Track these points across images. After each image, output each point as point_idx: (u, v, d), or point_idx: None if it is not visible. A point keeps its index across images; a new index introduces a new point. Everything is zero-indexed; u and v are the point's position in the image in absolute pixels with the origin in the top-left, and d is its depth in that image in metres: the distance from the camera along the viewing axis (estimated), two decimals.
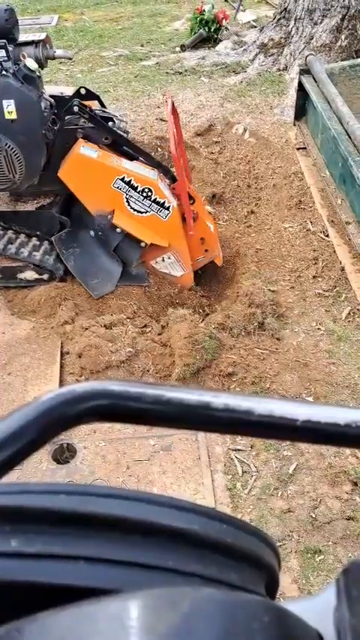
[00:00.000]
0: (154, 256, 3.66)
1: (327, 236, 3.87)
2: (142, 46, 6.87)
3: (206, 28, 6.69)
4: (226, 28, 6.83)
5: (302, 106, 4.83)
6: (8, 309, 3.55)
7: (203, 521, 0.37)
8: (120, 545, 0.35)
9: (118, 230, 3.52)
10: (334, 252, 3.73)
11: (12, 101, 3.17)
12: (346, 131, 3.93)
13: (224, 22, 6.77)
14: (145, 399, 0.38)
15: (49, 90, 3.74)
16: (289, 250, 3.94)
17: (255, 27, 6.98)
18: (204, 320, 3.36)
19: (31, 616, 0.28)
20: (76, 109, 3.39)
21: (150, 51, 6.70)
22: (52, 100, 3.58)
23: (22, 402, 2.90)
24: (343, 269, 3.60)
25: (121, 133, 3.61)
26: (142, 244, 3.53)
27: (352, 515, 2.39)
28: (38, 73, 3.39)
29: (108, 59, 6.51)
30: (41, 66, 3.55)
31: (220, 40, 6.70)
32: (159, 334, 3.31)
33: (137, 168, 3.48)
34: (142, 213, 3.50)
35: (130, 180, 3.42)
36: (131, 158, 3.58)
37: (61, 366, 3.13)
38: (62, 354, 3.19)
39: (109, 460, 2.65)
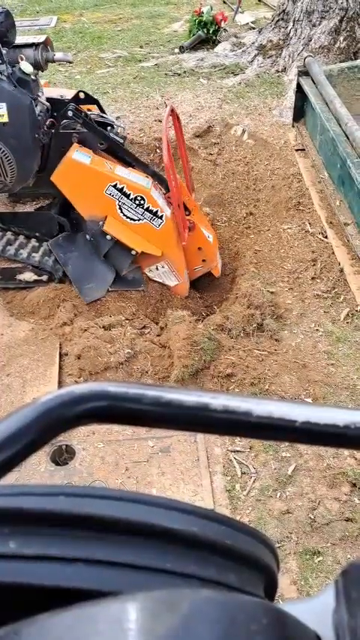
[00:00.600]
0: (148, 264, 3.64)
1: (326, 237, 3.88)
2: (140, 47, 6.87)
3: (205, 30, 6.70)
4: (224, 29, 6.84)
5: (301, 108, 4.84)
6: (7, 311, 3.55)
7: (202, 522, 0.37)
8: (119, 547, 0.35)
9: (109, 237, 3.49)
10: (333, 253, 3.73)
11: (4, 104, 3.17)
12: (344, 132, 3.94)
13: (223, 24, 6.78)
14: (144, 401, 0.38)
15: (49, 92, 3.73)
16: (287, 252, 3.94)
17: (253, 29, 6.99)
18: (203, 321, 3.36)
19: (30, 618, 0.28)
20: (70, 113, 3.38)
21: (149, 52, 6.71)
22: (48, 104, 3.57)
23: (21, 403, 2.89)
24: (341, 270, 3.61)
25: (118, 139, 3.58)
26: (133, 252, 3.50)
27: (351, 516, 2.39)
28: (33, 77, 3.38)
29: (107, 60, 6.51)
30: (40, 69, 3.55)
31: (219, 42, 6.71)
32: (158, 335, 3.31)
33: (131, 176, 3.46)
34: (134, 220, 3.49)
35: (122, 188, 3.40)
36: (128, 164, 3.57)
37: (60, 368, 3.13)
38: (61, 356, 3.19)
39: (107, 462, 2.65)
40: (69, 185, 3.49)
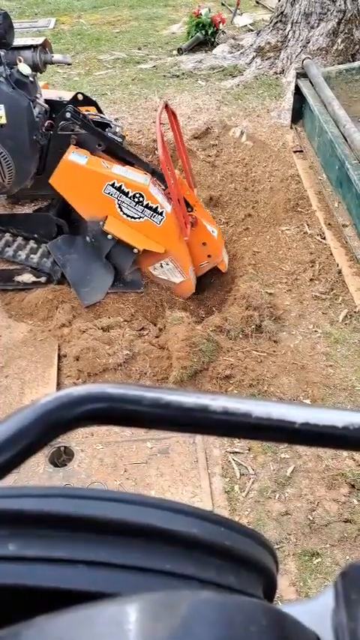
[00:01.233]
0: (152, 262, 3.63)
1: (324, 239, 3.88)
2: (139, 49, 6.88)
3: (203, 32, 6.71)
4: (223, 31, 6.85)
5: (299, 110, 4.85)
6: (5, 312, 3.55)
7: (201, 524, 0.37)
8: (118, 548, 0.35)
9: (109, 236, 3.49)
10: (331, 254, 3.74)
11: (1, 106, 3.18)
12: (342, 134, 3.95)
13: (221, 26, 6.79)
14: (143, 402, 0.38)
15: (48, 94, 3.73)
16: (286, 253, 3.95)
17: (252, 30, 7.01)
18: (201, 323, 3.36)
19: (29, 620, 0.28)
20: (68, 115, 3.38)
21: (147, 54, 6.71)
22: (47, 106, 3.57)
23: (20, 404, 2.89)
24: (340, 272, 3.61)
25: (116, 139, 3.58)
26: (135, 250, 3.50)
27: (350, 517, 2.39)
28: (32, 79, 3.38)
29: (105, 62, 6.52)
30: (39, 70, 3.55)
31: (217, 44, 6.72)
32: (156, 337, 3.31)
33: (128, 174, 3.45)
34: (135, 218, 3.48)
35: (120, 186, 3.39)
36: (128, 163, 3.58)
37: (59, 369, 3.12)
38: (59, 357, 3.19)
39: (106, 463, 2.65)
40: (67, 187, 3.48)
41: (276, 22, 5.90)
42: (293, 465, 2.61)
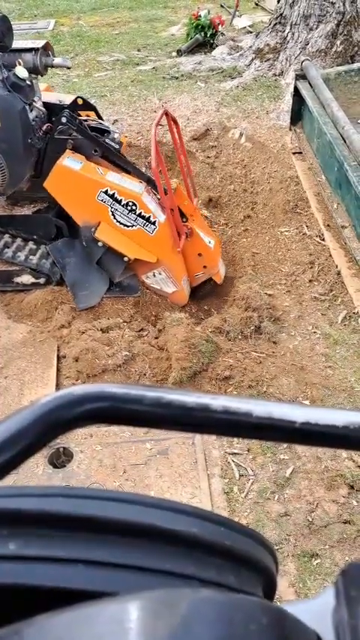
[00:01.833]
0: (145, 271, 3.60)
1: (323, 240, 3.89)
2: (138, 50, 6.89)
3: (202, 34, 6.72)
4: (222, 33, 6.87)
5: (298, 111, 4.85)
6: (5, 313, 3.55)
7: (201, 523, 0.37)
8: (118, 548, 0.35)
9: (100, 244, 3.47)
10: (330, 256, 3.74)
11: None
12: (341, 136, 3.95)
13: (220, 28, 6.81)
14: (144, 402, 0.38)
15: (48, 97, 3.72)
16: (285, 254, 3.95)
17: (251, 32, 7.02)
18: (200, 324, 3.36)
19: (30, 619, 0.28)
20: (64, 119, 3.36)
21: (146, 56, 6.72)
22: (44, 110, 3.55)
23: (19, 405, 2.89)
24: (339, 273, 3.61)
25: (113, 145, 3.54)
26: (125, 259, 3.47)
27: (349, 518, 2.39)
28: (29, 82, 3.37)
29: (105, 64, 6.52)
30: (39, 73, 3.54)
31: (216, 46, 6.73)
32: (156, 338, 3.31)
33: (122, 182, 3.42)
34: (128, 226, 3.45)
35: (113, 194, 3.37)
36: (124, 171, 3.55)
37: (58, 370, 3.12)
38: (59, 358, 3.19)
39: (105, 464, 2.65)
40: (61, 192, 3.47)
41: (275, 24, 5.91)
42: (292, 466, 2.61)
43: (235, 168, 4.71)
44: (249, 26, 7.34)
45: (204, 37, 6.74)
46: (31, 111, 3.38)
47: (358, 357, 3.14)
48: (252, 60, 5.98)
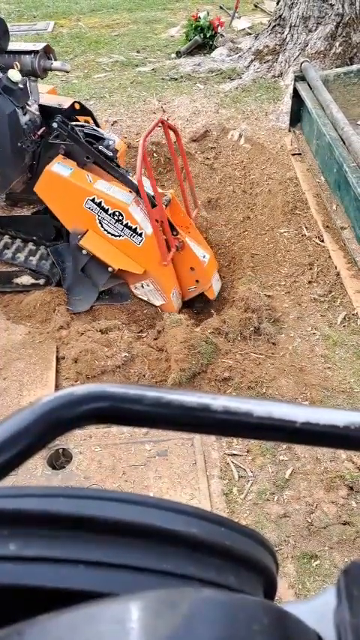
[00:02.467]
0: (133, 281, 3.56)
1: (322, 241, 3.89)
2: (137, 52, 6.90)
3: (202, 35, 6.73)
4: (221, 34, 6.87)
5: (297, 113, 4.86)
6: (4, 314, 3.55)
7: (201, 524, 0.37)
8: (118, 548, 0.35)
9: (84, 252, 3.45)
10: (330, 257, 3.74)
11: None
12: (340, 137, 3.96)
13: (219, 29, 6.81)
14: (144, 402, 0.38)
15: (49, 100, 3.69)
16: (284, 255, 3.95)
17: (250, 34, 7.03)
18: (200, 325, 3.36)
19: (32, 619, 0.28)
20: (55, 125, 3.34)
21: (146, 57, 6.73)
22: (38, 113, 3.53)
23: (18, 407, 2.88)
24: (338, 274, 3.62)
25: (106, 152, 3.48)
26: (110, 269, 3.45)
27: (348, 520, 2.39)
28: (21, 85, 3.35)
29: (104, 65, 6.53)
30: (38, 76, 3.53)
31: (216, 47, 6.74)
32: (155, 339, 3.31)
33: (110, 191, 3.38)
34: (116, 236, 3.42)
35: (100, 202, 3.34)
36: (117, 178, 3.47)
37: (57, 371, 3.12)
38: (58, 359, 3.18)
39: (104, 465, 2.64)
40: (50, 197, 3.45)
41: (274, 26, 5.92)
42: (292, 467, 2.60)
43: (234, 170, 4.71)
44: (248, 28, 7.35)
45: (203, 39, 6.74)
46: (25, 114, 3.37)
47: (358, 358, 3.14)
48: (251, 61, 5.99)
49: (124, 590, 0.33)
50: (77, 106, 3.58)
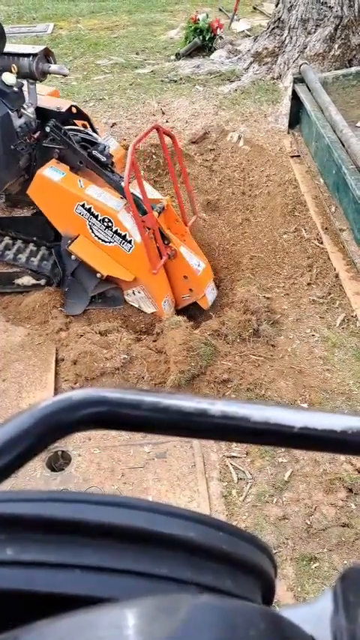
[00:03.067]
0: (125, 287, 3.54)
1: (321, 243, 3.89)
2: (137, 54, 6.90)
3: (201, 37, 6.74)
4: (220, 37, 6.88)
5: (296, 115, 4.87)
6: (3, 316, 3.55)
7: (199, 528, 0.37)
8: (116, 553, 0.35)
9: (73, 257, 3.45)
10: (329, 259, 3.75)
11: None
12: (339, 139, 3.97)
13: (219, 31, 6.82)
14: (142, 407, 0.38)
15: (47, 103, 3.68)
16: (283, 257, 3.95)
17: (249, 36, 7.04)
18: (199, 327, 3.36)
19: (29, 624, 0.28)
20: (47, 129, 3.33)
21: (145, 59, 6.74)
22: (34, 117, 3.52)
23: (17, 408, 2.88)
24: (337, 276, 3.62)
25: (100, 157, 3.44)
26: (98, 275, 3.44)
27: (347, 522, 2.39)
28: (16, 89, 3.33)
29: (103, 67, 6.54)
30: (36, 79, 3.52)
31: (215, 49, 6.74)
32: (154, 341, 3.31)
33: (101, 197, 3.36)
34: (106, 242, 3.40)
35: (90, 208, 3.33)
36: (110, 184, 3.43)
37: (56, 373, 3.12)
38: (57, 361, 3.18)
39: (103, 467, 2.64)
40: (42, 201, 3.45)
41: (273, 28, 5.93)
42: (291, 469, 2.60)
43: (233, 172, 4.72)
44: (247, 30, 7.36)
45: (202, 41, 6.75)
46: (20, 117, 3.37)
47: (357, 360, 3.14)
48: (250, 63, 6.00)
49: (121, 594, 0.33)
50: (74, 110, 3.56)
